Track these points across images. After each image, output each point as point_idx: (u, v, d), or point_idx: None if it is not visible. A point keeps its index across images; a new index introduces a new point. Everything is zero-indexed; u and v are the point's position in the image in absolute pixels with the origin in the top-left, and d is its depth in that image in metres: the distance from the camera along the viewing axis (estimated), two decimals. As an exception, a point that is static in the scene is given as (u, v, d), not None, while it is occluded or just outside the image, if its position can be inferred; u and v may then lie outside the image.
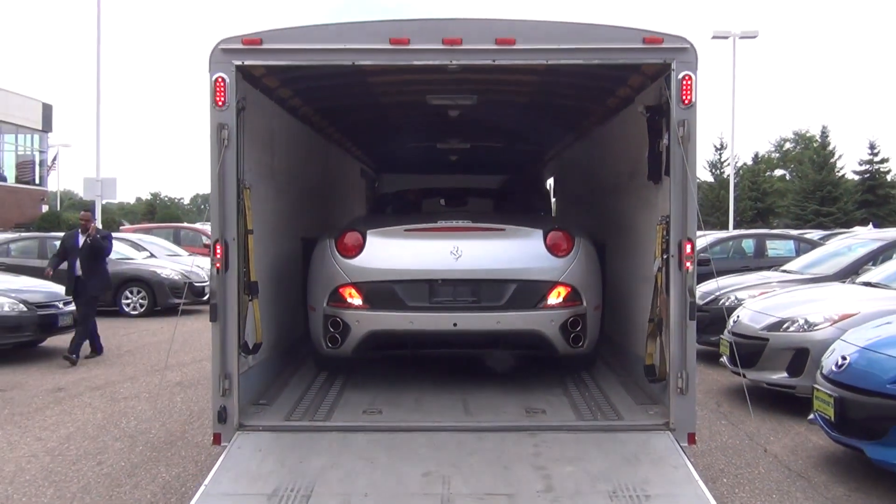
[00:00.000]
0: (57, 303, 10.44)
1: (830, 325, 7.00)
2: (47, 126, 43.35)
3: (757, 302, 8.41)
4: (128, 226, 30.78)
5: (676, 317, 4.68)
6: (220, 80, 4.60)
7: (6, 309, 10.04)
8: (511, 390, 5.59)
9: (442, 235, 5.53)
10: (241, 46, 4.63)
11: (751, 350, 7.52)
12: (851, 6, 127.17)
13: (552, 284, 5.49)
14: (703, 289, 10.09)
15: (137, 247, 17.65)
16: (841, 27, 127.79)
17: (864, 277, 8.41)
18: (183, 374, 9.26)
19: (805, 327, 7.20)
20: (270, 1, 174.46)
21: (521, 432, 4.72)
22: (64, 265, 10.24)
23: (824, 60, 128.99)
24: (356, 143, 9.60)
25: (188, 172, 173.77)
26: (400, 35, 4.60)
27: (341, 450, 4.49)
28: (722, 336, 8.10)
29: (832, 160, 55.11)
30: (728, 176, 40.99)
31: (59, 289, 10.50)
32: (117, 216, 53.33)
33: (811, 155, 58.69)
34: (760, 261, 13.92)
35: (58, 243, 11.36)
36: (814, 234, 20.73)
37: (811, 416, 5.79)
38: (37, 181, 43.36)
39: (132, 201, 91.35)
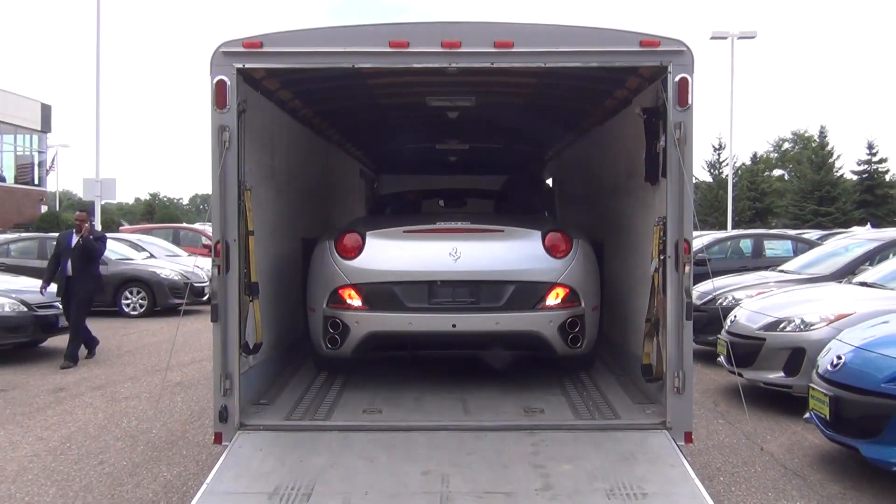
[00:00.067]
0: (57, 303, 10.44)
1: (826, 324, 7.05)
2: (46, 126, 43.36)
3: (754, 302, 8.46)
4: (127, 226, 30.80)
5: (673, 317, 4.72)
6: (221, 82, 4.64)
7: (6, 309, 10.07)
8: (510, 390, 5.63)
9: (441, 236, 5.56)
10: (241, 49, 4.67)
11: (748, 350, 7.57)
12: (849, 6, 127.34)
13: (551, 285, 5.52)
14: (700, 289, 10.17)
15: (137, 247, 17.70)
16: (839, 27, 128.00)
17: (860, 277, 8.47)
18: (183, 374, 9.30)
19: (801, 327, 7.25)
20: (268, 0, 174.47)
21: (520, 431, 4.76)
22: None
23: (823, 61, 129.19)
24: (356, 145, 9.65)
25: (187, 173, 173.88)
26: (399, 38, 4.64)
27: (341, 449, 4.53)
28: (719, 336, 8.15)
29: (830, 160, 55.22)
30: (726, 176, 41.05)
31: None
32: (116, 216, 53.37)
33: (809, 155, 58.78)
34: (758, 261, 13.98)
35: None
36: (812, 234, 20.79)
37: (807, 415, 5.84)
38: (36, 182, 43.38)
39: (131, 202, 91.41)
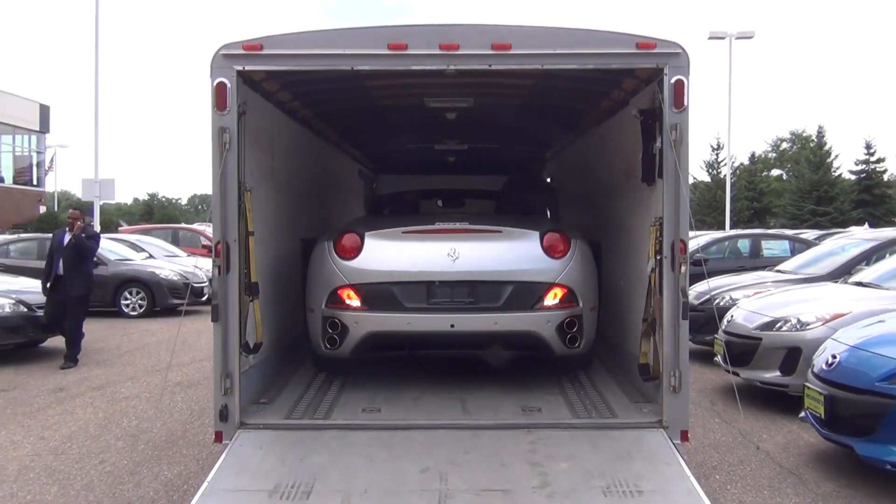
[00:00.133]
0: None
1: (822, 324, 7.10)
2: (44, 127, 43.36)
3: (751, 301, 8.51)
4: (126, 227, 30.82)
5: (669, 316, 4.76)
6: (221, 84, 4.68)
7: (7, 310, 10.09)
8: (508, 389, 5.67)
9: (439, 237, 5.59)
10: (241, 52, 4.71)
11: (744, 349, 7.63)
12: (847, 7, 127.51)
13: (549, 286, 5.54)
14: (697, 289, 10.21)
15: (136, 248, 17.73)
16: (837, 27, 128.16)
17: (856, 277, 8.52)
18: (183, 374, 9.34)
19: (797, 327, 7.30)
20: (266, 1, 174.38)
21: (518, 430, 4.80)
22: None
23: (821, 61, 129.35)
24: (355, 145, 9.69)
25: (185, 173, 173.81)
26: (398, 40, 4.69)
27: (341, 447, 4.58)
28: (716, 335, 8.20)
29: (828, 160, 55.25)
30: (725, 176, 41.12)
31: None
32: (115, 217, 53.36)
33: (807, 155, 58.82)
34: (756, 261, 14.03)
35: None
36: (809, 234, 20.84)
37: (802, 414, 5.89)
38: (34, 182, 43.39)
39: (129, 202, 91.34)
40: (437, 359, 6.21)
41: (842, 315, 7.07)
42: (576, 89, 6.25)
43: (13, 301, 10.22)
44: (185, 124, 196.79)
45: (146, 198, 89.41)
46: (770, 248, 15.14)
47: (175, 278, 15.82)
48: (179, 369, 9.58)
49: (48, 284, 9.93)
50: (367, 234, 5.69)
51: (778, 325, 7.45)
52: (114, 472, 5.69)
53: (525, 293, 5.50)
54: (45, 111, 43.02)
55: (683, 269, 4.72)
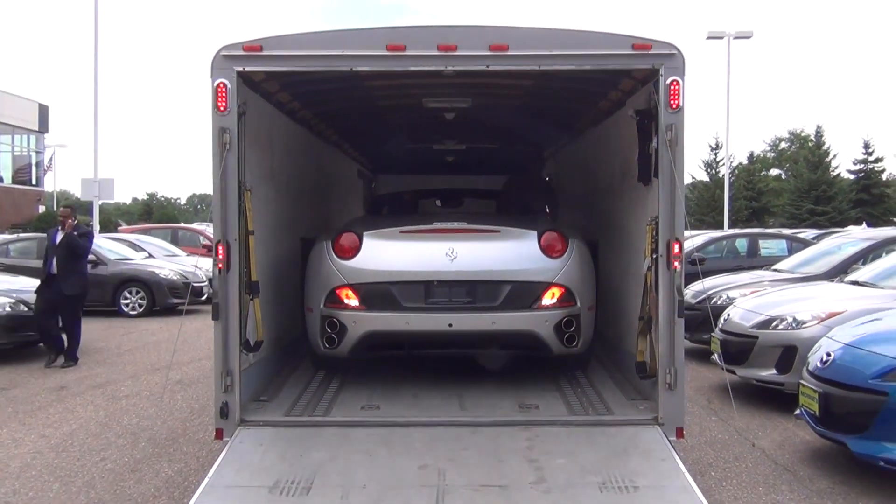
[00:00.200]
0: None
1: (818, 323, 7.15)
2: (44, 127, 43.35)
3: (747, 300, 8.56)
4: (125, 226, 30.84)
5: (665, 314, 4.81)
6: (221, 85, 4.73)
7: (7, 309, 10.14)
8: (505, 387, 5.72)
9: (437, 237, 5.62)
10: (241, 53, 4.76)
11: (741, 348, 7.69)
12: (846, 7, 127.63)
13: (546, 285, 5.57)
14: (694, 288, 10.26)
15: (135, 247, 17.77)
16: (835, 27, 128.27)
17: (852, 276, 8.58)
18: (183, 372, 9.38)
19: (793, 325, 7.35)
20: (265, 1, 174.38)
21: (515, 427, 4.85)
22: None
23: (819, 60, 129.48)
24: (354, 145, 9.73)
25: (185, 173, 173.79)
26: (396, 42, 4.74)
27: (340, 444, 4.63)
28: (713, 334, 8.25)
29: (827, 159, 55.29)
30: (723, 175, 41.19)
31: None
32: (114, 216, 53.35)
33: (806, 154, 58.89)
34: (753, 260, 14.09)
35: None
36: (808, 234, 20.92)
37: (797, 412, 5.94)
38: (33, 182, 43.37)
39: (128, 202, 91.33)
40: (435, 358, 6.25)
41: (837, 314, 7.13)
42: (573, 90, 6.30)
43: (13, 300, 10.26)
44: (185, 124, 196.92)
45: (145, 197, 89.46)
46: (767, 247, 15.21)
47: (175, 278, 15.86)
48: (179, 368, 9.63)
49: (38, 283, 9.89)
50: (365, 233, 5.72)
51: (774, 324, 7.51)
52: (115, 469, 5.74)
53: (523, 293, 5.54)
54: (44, 111, 43.02)
55: (679, 267, 4.77)
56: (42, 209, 40.70)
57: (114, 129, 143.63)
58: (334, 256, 5.66)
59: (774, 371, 7.36)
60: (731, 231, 22.97)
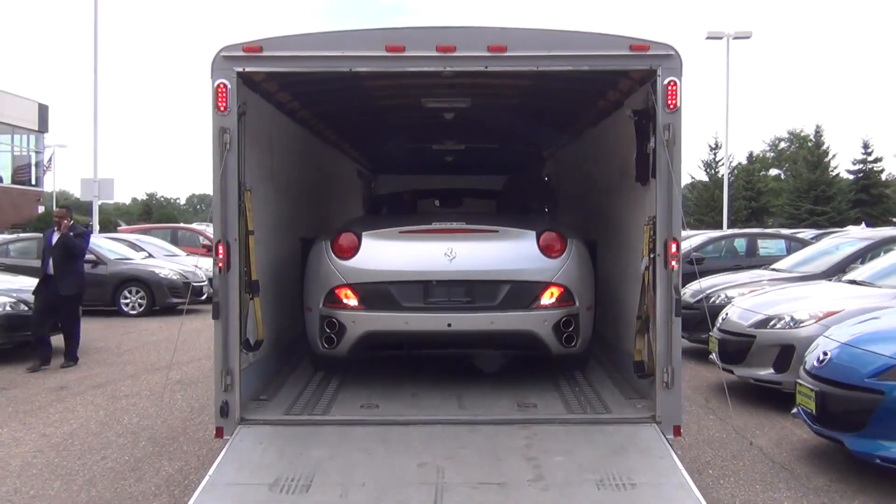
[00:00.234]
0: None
1: (815, 322, 7.18)
2: (43, 127, 43.38)
3: (745, 300, 8.59)
4: (125, 226, 30.86)
5: (662, 313, 4.84)
6: (221, 86, 4.75)
7: (7, 309, 10.16)
8: (504, 386, 5.74)
9: (436, 237, 5.63)
10: (241, 54, 4.79)
11: (739, 347, 7.72)
12: (844, 7, 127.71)
13: (545, 285, 5.58)
14: (693, 287, 10.30)
15: (135, 247, 17.80)
16: (835, 27, 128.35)
17: (849, 276, 8.61)
18: (183, 372, 9.41)
19: (791, 324, 7.38)
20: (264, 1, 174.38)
21: (514, 425, 4.88)
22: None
23: (819, 60, 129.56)
24: (353, 145, 9.76)
25: (184, 173, 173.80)
26: (395, 43, 4.76)
27: (340, 442, 4.66)
28: (711, 333, 8.28)
29: (826, 159, 55.35)
30: (723, 175, 41.21)
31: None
32: (113, 216, 53.37)
33: (805, 154, 58.93)
34: (752, 259, 14.14)
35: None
36: (807, 234, 20.95)
37: (794, 410, 5.97)
38: (33, 182, 43.40)
39: (128, 202, 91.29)
40: (434, 357, 6.27)
41: (835, 313, 7.15)
42: (572, 90, 6.33)
43: (13, 300, 10.28)
44: (184, 124, 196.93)
45: (145, 198, 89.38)
46: (766, 247, 15.26)
47: (174, 277, 15.89)
48: (179, 368, 9.65)
49: (37, 283, 9.85)
50: (364, 233, 5.73)
51: (772, 323, 7.54)
52: (115, 467, 5.77)
53: (522, 292, 5.54)
54: (43, 111, 43.04)
55: (676, 266, 4.80)
56: (41, 209, 40.72)
57: (113, 129, 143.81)
58: (333, 256, 5.67)
59: (772, 370, 7.39)
60: (730, 231, 23.01)
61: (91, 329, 12.48)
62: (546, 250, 5.70)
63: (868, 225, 31.83)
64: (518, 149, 10.01)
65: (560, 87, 6.29)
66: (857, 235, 12.19)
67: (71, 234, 9.78)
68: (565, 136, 8.73)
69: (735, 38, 31.46)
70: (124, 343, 11.93)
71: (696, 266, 12.21)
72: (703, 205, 55.11)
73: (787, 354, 7.23)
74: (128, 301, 15.59)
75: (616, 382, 5.85)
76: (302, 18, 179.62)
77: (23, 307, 10.25)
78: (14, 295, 10.40)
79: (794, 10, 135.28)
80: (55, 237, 9.79)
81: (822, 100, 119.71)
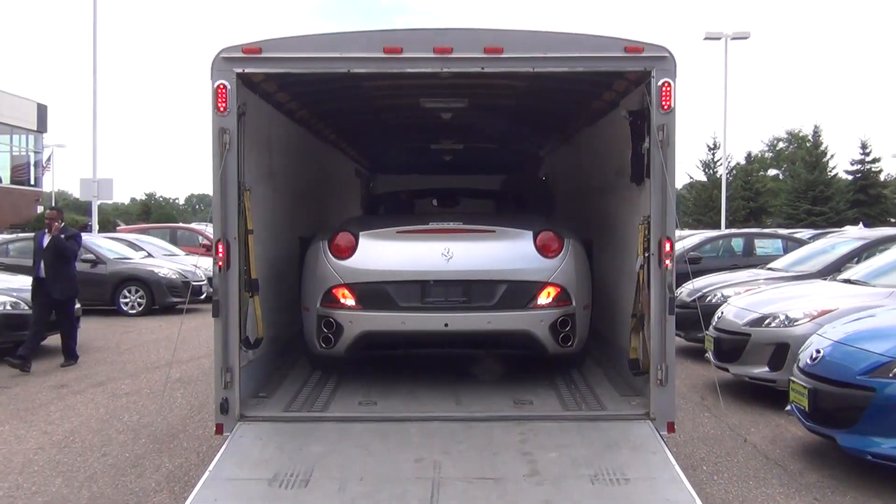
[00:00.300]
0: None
1: (810, 320, 7.24)
2: (42, 127, 43.40)
3: (741, 299, 8.65)
4: (124, 226, 30.91)
5: (656, 311, 4.90)
6: (221, 86, 4.81)
7: (7, 308, 10.20)
8: (501, 383, 5.79)
9: (433, 237, 5.65)
10: (241, 55, 4.85)
11: (734, 345, 7.78)
12: (843, 7, 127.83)
13: (542, 285, 5.60)
14: (690, 286, 10.37)
15: (135, 247, 17.86)
16: (833, 27, 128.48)
17: (844, 275, 8.67)
18: (183, 370, 9.46)
19: (785, 323, 7.44)
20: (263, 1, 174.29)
21: (510, 422, 4.94)
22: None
23: (817, 60, 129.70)
24: (352, 145, 9.82)
25: (183, 173, 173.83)
26: (393, 44, 4.82)
27: (338, 438, 4.72)
28: (707, 332, 8.34)
29: (824, 160, 55.46)
30: (721, 175, 41.30)
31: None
32: (112, 216, 53.38)
33: (803, 155, 59.03)
34: (749, 259, 14.19)
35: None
36: (804, 234, 21.03)
37: (788, 408, 6.04)
38: (32, 182, 43.44)
39: (126, 202, 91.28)
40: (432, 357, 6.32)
41: (829, 311, 7.21)
42: (568, 90, 6.38)
43: (13, 299, 10.33)
44: (183, 124, 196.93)
45: (143, 197, 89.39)
46: (763, 246, 15.32)
47: (174, 277, 15.95)
48: (179, 366, 9.70)
49: (33, 287, 9.76)
50: (361, 233, 5.75)
51: (766, 322, 7.60)
52: (116, 464, 5.83)
53: (518, 292, 5.56)
54: (42, 111, 43.07)
55: (670, 265, 4.86)
56: (40, 209, 40.73)
57: (112, 129, 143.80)
58: (330, 256, 5.69)
59: (767, 368, 7.45)
60: (727, 231, 23.10)
61: (91, 328, 12.55)
62: (543, 250, 5.72)
63: (866, 225, 31.88)
64: (515, 149, 10.07)
65: (556, 88, 6.34)
66: (852, 235, 12.25)
67: (62, 235, 9.68)
68: (562, 136, 8.79)
69: (733, 38, 31.53)
70: (124, 342, 11.99)
71: (695, 265, 12.29)
72: (701, 205, 55.20)
73: (781, 353, 7.29)
74: (127, 300, 15.64)
75: (611, 380, 5.91)
76: (302, 18, 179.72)
77: (23, 306, 10.28)
78: (14, 294, 10.44)
79: (792, 10, 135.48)
80: (46, 239, 9.67)
81: (821, 100, 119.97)
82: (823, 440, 5.83)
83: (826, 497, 5.13)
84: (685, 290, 10.25)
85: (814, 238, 16.66)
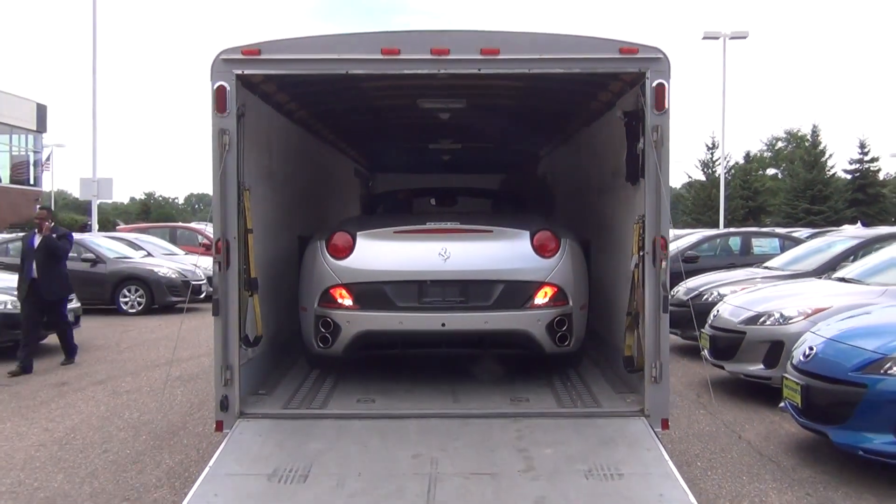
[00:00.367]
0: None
1: (804, 318, 7.31)
2: (41, 126, 43.45)
3: (736, 297, 8.72)
4: (124, 225, 30.95)
5: (651, 309, 4.96)
6: (221, 88, 4.87)
7: (7, 307, 10.25)
8: (498, 381, 5.84)
9: (431, 237, 5.68)
10: (240, 56, 4.90)
11: (729, 343, 7.85)
12: (841, 7, 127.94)
13: (539, 285, 5.61)
14: (687, 285, 10.44)
15: (134, 246, 17.91)
16: (832, 27, 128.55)
17: (839, 273, 8.74)
18: (182, 369, 9.53)
19: (780, 321, 7.51)
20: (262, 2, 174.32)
21: (506, 419, 4.99)
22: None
23: (816, 60, 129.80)
24: (350, 145, 9.88)
25: (182, 172, 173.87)
26: (391, 46, 4.88)
27: (337, 435, 4.78)
28: (703, 330, 8.41)
29: (823, 159, 55.57)
30: (720, 175, 41.37)
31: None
32: (111, 216, 53.44)
33: (802, 154, 59.14)
34: (746, 258, 14.27)
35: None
36: (802, 233, 21.10)
37: (782, 404, 6.11)
38: (31, 181, 43.48)
39: (126, 201, 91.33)
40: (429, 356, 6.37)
41: (823, 309, 7.29)
42: (564, 91, 6.43)
43: (13, 299, 10.36)
44: (183, 124, 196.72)
45: (143, 197, 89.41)
46: (760, 245, 15.41)
47: (173, 276, 16.00)
48: (179, 364, 9.77)
49: (19, 289, 9.66)
50: (358, 233, 5.77)
51: (761, 320, 7.67)
52: (117, 460, 5.89)
53: (515, 292, 5.58)
54: (41, 110, 43.12)
55: (664, 264, 4.92)
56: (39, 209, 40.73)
57: (112, 128, 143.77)
58: (328, 256, 5.71)
59: (762, 366, 7.52)
60: (725, 230, 23.18)
61: (91, 327, 12.62)
62: (540, 250, 5.73)
63: (864, 224, 31.95)
64: (513, 149, 10.12)
65: (553, 89, 6.39)
66: (848, 234, 12.32)
67: (53, 235, 9.59)
68: (559, 137, 8.84)
69: (732, 38, 31.58)
70: (124, 341, 12.05)
71: (692, 264, 12.35)
72: (700, 204, 55.31)
73: (776, 350, 7.36)
74: (127, 300, 15.70)
75: (607, 377, 5.96)
76: (301, 18, 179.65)
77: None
78: (14, 293, 10.48)
79: (790, 10, 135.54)
80: (37, 240, 9.59)
81: (819, 100, 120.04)
82: (816, 436, 5.90)
83: (818, 492, 5.20)
84: (681, 289, 10.33)
85: (811, 237, 16.73)
